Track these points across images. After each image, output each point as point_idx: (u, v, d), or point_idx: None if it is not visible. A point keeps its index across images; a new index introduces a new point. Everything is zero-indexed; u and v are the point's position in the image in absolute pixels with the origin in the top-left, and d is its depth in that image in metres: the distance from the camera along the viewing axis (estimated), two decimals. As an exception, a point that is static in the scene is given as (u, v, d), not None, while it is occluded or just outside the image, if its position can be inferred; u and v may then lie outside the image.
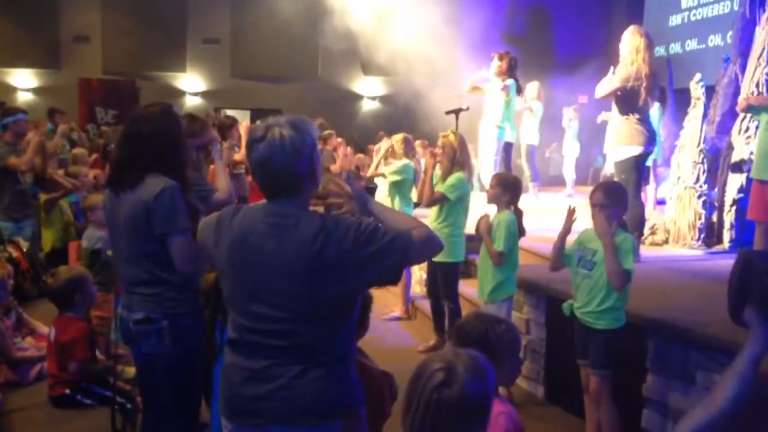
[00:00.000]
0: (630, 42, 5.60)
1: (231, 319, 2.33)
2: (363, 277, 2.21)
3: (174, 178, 3.01)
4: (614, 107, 5.74)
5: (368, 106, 18.23)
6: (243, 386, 2.24)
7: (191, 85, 17.92)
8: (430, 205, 5.77)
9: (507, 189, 4.87)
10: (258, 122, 2.29)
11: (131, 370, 4.29)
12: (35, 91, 17.62)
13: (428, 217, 5.94)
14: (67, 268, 4.33)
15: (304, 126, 2.26)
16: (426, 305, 6.51)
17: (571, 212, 4.10)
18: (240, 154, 6.69)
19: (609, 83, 5.63)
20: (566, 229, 4.09)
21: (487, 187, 7.64)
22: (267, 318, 2.20)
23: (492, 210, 5.02)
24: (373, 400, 2.61)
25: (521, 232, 4.82)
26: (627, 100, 5.59)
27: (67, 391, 3.73)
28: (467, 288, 6.30)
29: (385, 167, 7.16)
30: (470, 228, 5.49)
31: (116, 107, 17.23)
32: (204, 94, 17.90)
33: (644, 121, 5.61)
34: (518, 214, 4.82)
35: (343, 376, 2.25)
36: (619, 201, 3.97)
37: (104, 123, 17.06)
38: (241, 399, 2.25)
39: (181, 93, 17.73)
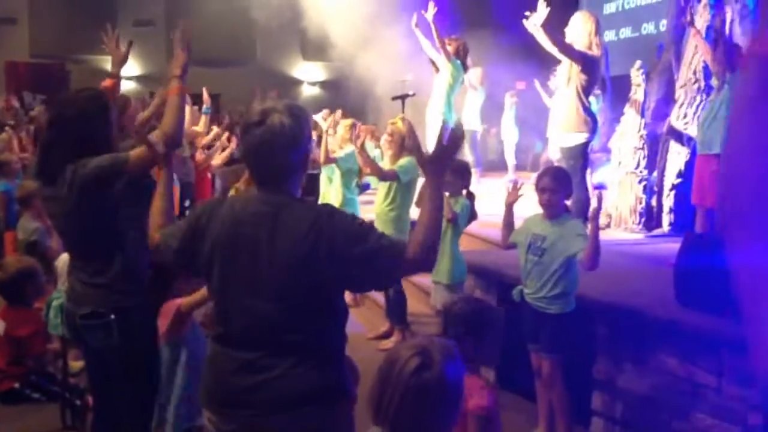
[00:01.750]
0: (583, 27, 5.66)
1: (218, 312, 2.29)
2: (351, 274, 2.17)
3: None
4: (561, 92, 5.80)
5: (309, 92, 18.08)
6: (234, 376, 2.20)
7: (125, 68, 17.29)
8: (381, 179, 5.63)
9: (459, 175, 4.89)
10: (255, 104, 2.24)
11: (77, 365, 4.17)
12: (-42, 74, 16.91)
13: (375, 201, 5.92)
14: (14, 259, 4.17)
15: (302, 114, 2.23)
16: (374, 292, 6.50)
17: (516, 186, 4.18)
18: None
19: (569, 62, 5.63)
20: (512, 200, 4.15)
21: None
22: (258, 311, 2.17)
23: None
24: None
25: (473, 215, 4.85)
26: (583, 86, 5.66)
27: (16, 385, 3.60)
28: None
29: (338, 151, 6.97)
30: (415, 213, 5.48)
31: (45, 92, 16.60)
32: (139, 79, 17.45)
33: (589, 107, 5.72)
34: (471, 198, 4.85)
35: (334, 366, 2.25)
36: (566, 186, 4.02)
37: (32, 108, 16.45)
38: (231, 390, 2.21)
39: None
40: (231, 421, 2.22)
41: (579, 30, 5.66)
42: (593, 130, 5.79)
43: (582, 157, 5.78)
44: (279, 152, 2.17)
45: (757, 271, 1.02)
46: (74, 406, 3.54)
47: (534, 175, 11.42)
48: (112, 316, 2.89)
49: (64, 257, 4.67)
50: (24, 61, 16.75)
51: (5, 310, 3.81)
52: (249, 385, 2.17)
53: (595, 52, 5.66)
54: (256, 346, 2.18)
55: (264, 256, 2.15)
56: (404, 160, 5.53)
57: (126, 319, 2.92)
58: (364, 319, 6.41)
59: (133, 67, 17.44)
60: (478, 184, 9.96)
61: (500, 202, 4.30)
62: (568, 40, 5.76)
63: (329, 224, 2.15)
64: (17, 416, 3.48)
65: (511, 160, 11.63)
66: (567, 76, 5.67)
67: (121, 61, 3.76)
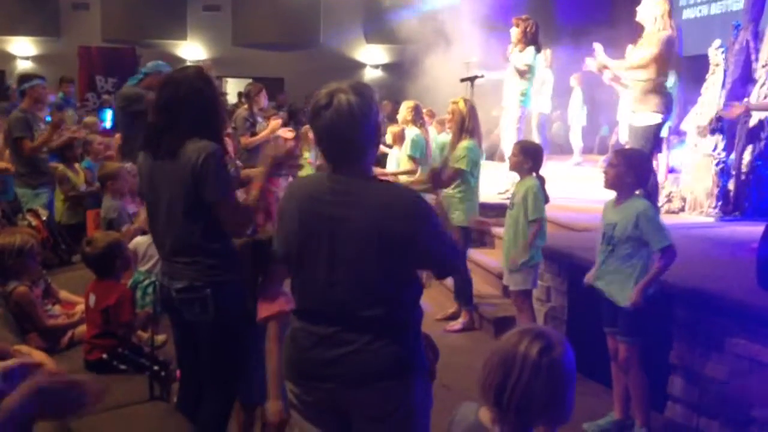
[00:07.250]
0: (657, 7, 5.53)
1: (296, 288, 2.35)
2: (417, 261, 2.28)
3: (213, 141, 2.95)
4: (636, 73, 5.66)
5: (371, 75, 18.09)
6: (313, 350, 2.26)
7: (192, 53, 17.75)
8: (450, 184, 5.61)
9: (528, 156, 4.87)
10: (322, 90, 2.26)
11: (159, 338, 4.31)
12: (34, 59, 17.48)
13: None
14: (102, 234, 4.29)
15: (368, 91, 2.26)
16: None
17: None
18: None
19: (644, 52, 5.53)
20: None
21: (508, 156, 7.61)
22: (334, 286, 2.22)
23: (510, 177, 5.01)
24: None
25: (545, 198, 4.82)
26: (658, 67, 5.53)
27: (104, 356, 3.74)
28: (484, 257, 6.32)
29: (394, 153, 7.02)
30: (483, 197, 5.46)
31: (116, 75, 17.02)
32: (205, 63, 17.73)
33: (665, 88, 5.59)
34: (541, 181, 4.82)
35: (411, 341, 2.29)
36: (634, 167, 3.89)
37: (105, 92, 16.89)
38: (311, 363, 2.27)
39: (182, 61, 17.54)
40: (311, 393, 2.30)
41: (652, 10, 5.53)
42: (669, 111, 5.66)
43: (654, 138, 5.65)
44: (349, 131, 2.20)
45: None
46: (161, 377, 3.66)
47: (601, 159, 11.27)
48: (208, 291, 2.96)
49: (140, 240, 4.82)
50: (96, 46, 17.15)
51: (95, 283, 3.94)
52: (327, 359, 2.23)
53: (670, 32, 5.53)
54: (333, 321, 2.23)
55: (339, 233, 2.20)
56: (459, 149, 5.54)
57: (221, 294, 2.98)
58: (432, 300, 6.44)
59: (199, 51, 17.76)
60: (543, 167, 9.84)
61: (565, 187, 4.22)
62: (638, 18, 5.64)
63: (406, 209, 2.20)
64: (106, 385, 3.62)
65: (577, 143, 11.46)
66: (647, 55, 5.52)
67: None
